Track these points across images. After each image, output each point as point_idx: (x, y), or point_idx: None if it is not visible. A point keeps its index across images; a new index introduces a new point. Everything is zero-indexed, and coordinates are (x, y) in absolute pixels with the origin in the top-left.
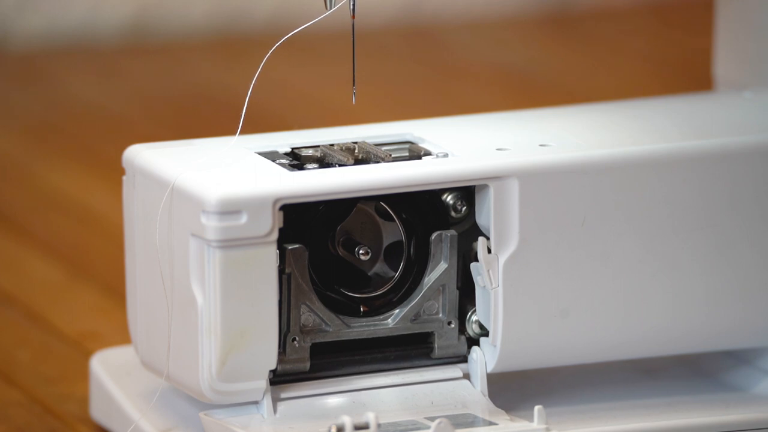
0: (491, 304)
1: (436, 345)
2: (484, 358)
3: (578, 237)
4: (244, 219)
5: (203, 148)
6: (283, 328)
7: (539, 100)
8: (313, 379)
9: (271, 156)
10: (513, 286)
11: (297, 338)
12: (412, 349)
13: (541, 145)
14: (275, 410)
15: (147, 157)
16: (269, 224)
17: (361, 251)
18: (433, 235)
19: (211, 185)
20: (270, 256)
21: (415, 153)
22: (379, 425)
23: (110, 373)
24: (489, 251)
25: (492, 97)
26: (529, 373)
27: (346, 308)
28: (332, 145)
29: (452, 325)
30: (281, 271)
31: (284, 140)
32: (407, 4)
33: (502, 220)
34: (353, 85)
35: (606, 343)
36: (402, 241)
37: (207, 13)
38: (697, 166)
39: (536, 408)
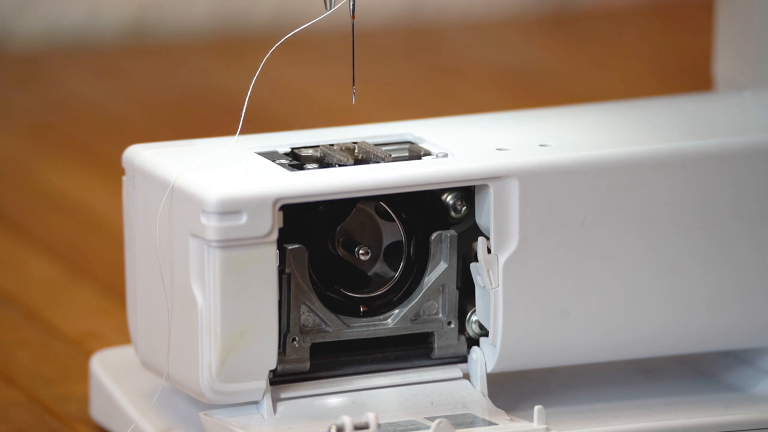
0: (491, 304)
1: (435, 345)
2: (484, 358)
3: (578, 237)
4: (244, 219)
5: (203, 148)
6: (282, 328)
7: (539, 100)
8: (313, 379)
9: (271, 156)
10: (513, 286)
11: (297, 338)
12: (412, 349)
13: (541, 145)
14: (275, 410)
15: (147, 157)
16: (269, 224)
17: (360, 251)
18: (433, 235)
19: (211, 185)
20: (270, 256)
21: (415, 153)
22: (379, 425)
23: (110, 373)
24: (489, 251)
25: (492, 97)
26: (529, 373)
27: (345, 308)
28: (332, 145)
29: (452, 325)
30: (281, 271)
31: (284, 140)
32: (407, 4)
33: (502, 220)
34: (353, 85)
35: (606, 343)
36: (402, 241)
37: (207, 13)
38: (697, 166)
39: (536, 408)
